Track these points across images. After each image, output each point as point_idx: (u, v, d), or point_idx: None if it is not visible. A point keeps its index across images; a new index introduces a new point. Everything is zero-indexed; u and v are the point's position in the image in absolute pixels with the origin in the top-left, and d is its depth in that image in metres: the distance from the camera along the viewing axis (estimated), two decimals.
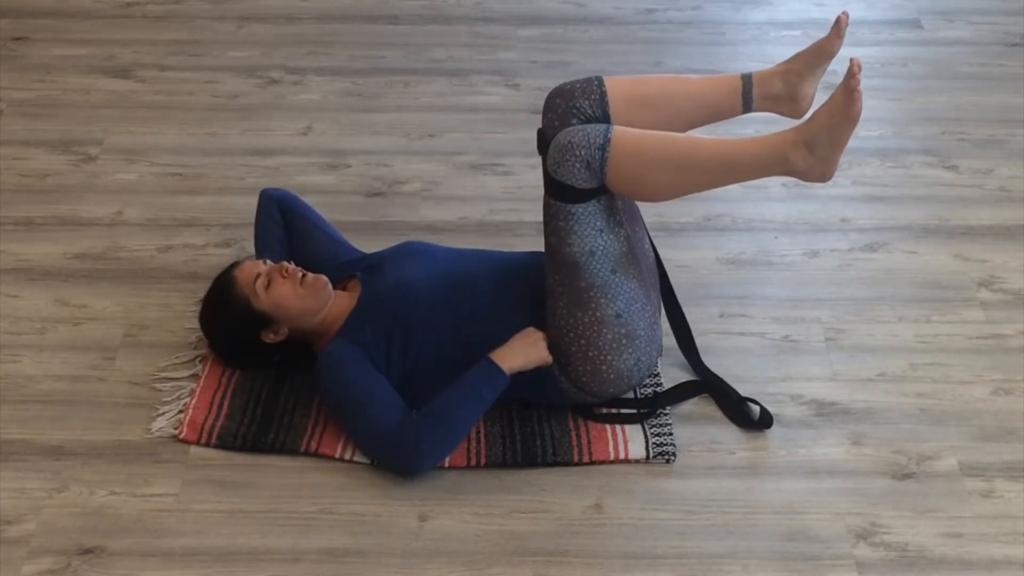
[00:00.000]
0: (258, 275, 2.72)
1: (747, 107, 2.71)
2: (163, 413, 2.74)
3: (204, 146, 3.57)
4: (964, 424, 2.78)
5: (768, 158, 2.52)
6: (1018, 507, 2.60)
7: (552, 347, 2.67)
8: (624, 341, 2.64)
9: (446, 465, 2.65)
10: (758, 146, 2.53)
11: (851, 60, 2.42)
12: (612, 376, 2.67)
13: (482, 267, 2.79)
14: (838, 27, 2.62)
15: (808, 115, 2.57)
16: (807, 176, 2.54)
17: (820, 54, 2.66)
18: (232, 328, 2.75)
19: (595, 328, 2.63)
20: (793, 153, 2.50)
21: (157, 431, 2.70)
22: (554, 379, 2.69)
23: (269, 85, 3.83)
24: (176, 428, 2.70)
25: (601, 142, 2.53)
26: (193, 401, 2.75)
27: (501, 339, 2.68)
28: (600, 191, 2.57)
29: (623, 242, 2.62)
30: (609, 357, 2.65)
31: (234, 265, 2.79)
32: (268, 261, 2.79)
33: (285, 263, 2.75)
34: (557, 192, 2.58)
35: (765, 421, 2.74)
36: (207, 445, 2.67)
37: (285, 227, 2.99)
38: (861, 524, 2.56)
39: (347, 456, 2.66)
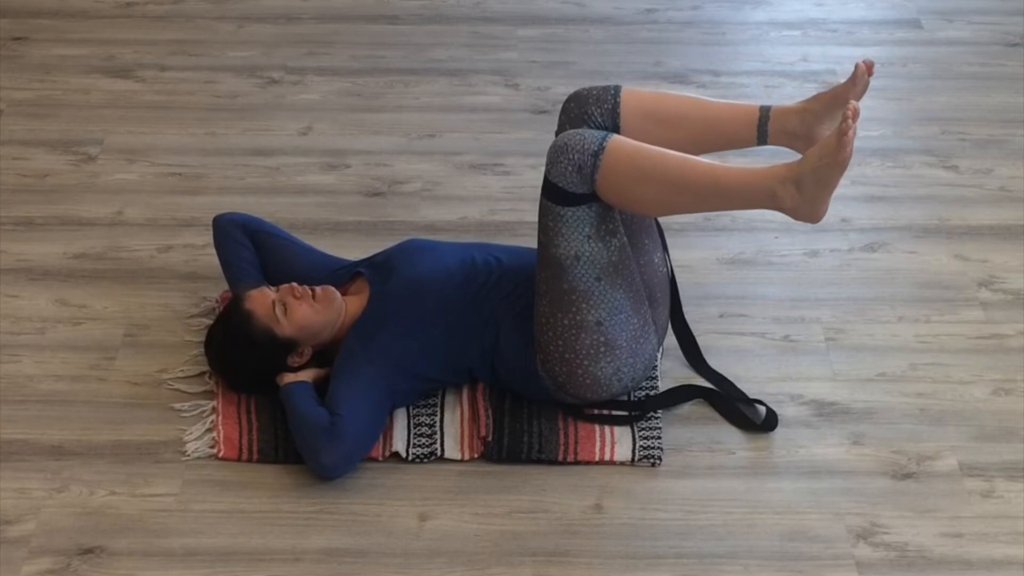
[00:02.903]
0: (273, 303, 2.67)
1: (762, 139, 2.68)
2: (191, 434, 2.69)
3: (204, 146, 3.57)
4: (964, 424, 2.78)
5: (756, 190, 2.49)
6: (1018, 507, 2.60)
7: (537, 343, 2.66)
8: (602, 349, 2.63)
9: (445, 457, 2.65)
10: (748, 176, 2.51)
11: (849, 105, 2.38)
12: (588, 381, 2.66)
13: (487, 257, 2.78)
14: (855, 76, 2.59)
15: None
16: (795, 215, 2.51)
17: (838, 99, 2.61)
18: (259, 362, 2.68)
19: (573, 332, 2.62)
20: (781, 188, 2.48)
21: (193, 453, 2.65)
22: (537, 375, 2.69)
23: (269, 85, 3.83)
24: (212, 447, 2.66)
25: (595, 149, 2.52)
26: (220, 418, 2.70)
27: (499, 332, 2.69)
28: (592, 197, 2.56)
29: (614, 252, 2.60)
30: (585, 362, 2.63)
31: (240, 299, 2.71)
32: (271, 287, 2.74)
33: (294, 284, 2.71)
34: (549, 192, 2.58)
35: (769, 423, 2.74)
36: (249, 461, 2.64)
37: (255, 249, 2.92)
38: (861, 524, 2.56)
39: None
